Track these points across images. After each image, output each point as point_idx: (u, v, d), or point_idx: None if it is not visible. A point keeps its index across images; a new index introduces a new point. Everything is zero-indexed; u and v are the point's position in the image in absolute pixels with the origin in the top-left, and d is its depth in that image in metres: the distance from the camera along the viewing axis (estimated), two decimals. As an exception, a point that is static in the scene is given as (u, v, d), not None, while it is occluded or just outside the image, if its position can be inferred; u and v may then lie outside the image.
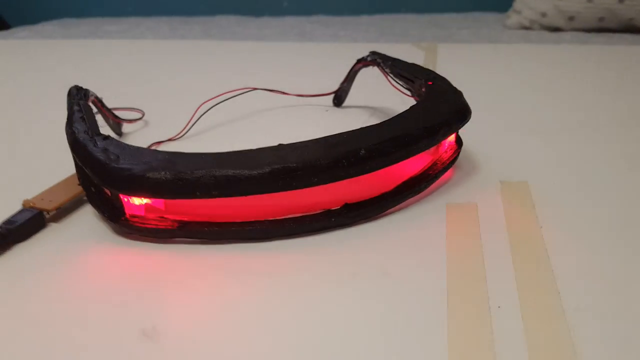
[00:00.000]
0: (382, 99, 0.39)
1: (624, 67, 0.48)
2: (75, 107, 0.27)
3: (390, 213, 0.24)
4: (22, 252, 0.23)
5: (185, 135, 0.34)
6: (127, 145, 0.23)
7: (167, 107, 0.40)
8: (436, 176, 0.26)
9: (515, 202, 0.25)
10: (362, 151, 0.22)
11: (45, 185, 0.26)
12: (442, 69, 0.48)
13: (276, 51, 0.60)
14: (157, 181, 0.21)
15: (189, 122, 0.35)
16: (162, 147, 0.33)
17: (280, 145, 0.22)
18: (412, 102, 0.31)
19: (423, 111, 0.25)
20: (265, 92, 0.38)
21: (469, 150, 0.30)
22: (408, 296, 0.19)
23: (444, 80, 0.29)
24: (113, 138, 0.24)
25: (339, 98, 0.39)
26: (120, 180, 0.21)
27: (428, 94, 0.27)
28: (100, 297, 0.20)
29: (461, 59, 0.53)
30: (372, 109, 0.38)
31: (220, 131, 0.36)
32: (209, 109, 0.35)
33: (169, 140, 0.34)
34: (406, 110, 0.25)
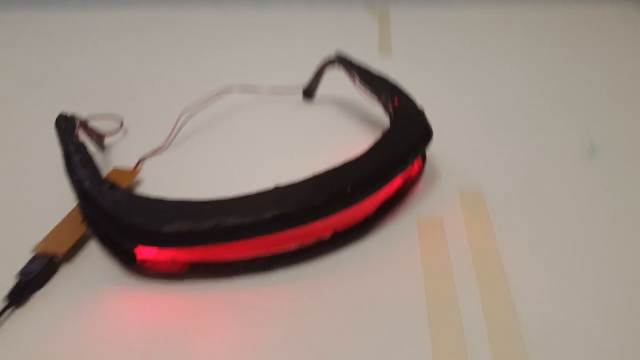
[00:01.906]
0: (350, 91, 0.42)
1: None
2: (71, 147, 0.28)
3: (372, 232, 0.28)
4: (41, 301, 0.25)
5: (170, 147, 0.36)
6: (133, 195, 0.25)
7: (142, 107, 0.41)
8: (407, 192, 0.29)
9: (473, 213, 0.29)
10: (349, 188, 0.25)
11: (39, 212, 0.28)
12: (396, 42, 0.51)
13: (235, 19, 0.59)
14: (171, 234, 0.23)
15: (172, 132, 0.36)
16: (150, 162, 0.34)
17: (276, 188, 0.25)
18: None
19: (393, 141, 0.28)
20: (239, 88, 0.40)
21: (431, 159, 0.33)
22: (395, 319, 0.23)
23: (408, 99, 0.32)
24: (117, 186, 0.26)
25: (309, 93, 0.41)
26: (135, 235, 0.24)
27: (396, 118, 0.30)
28: (124, 344, 0.22)
29: (413, 30, 0.55)
30: (341, 102, 0.41)
31: (203, 138, 0.37)
32: (189, 119, 0.37)
33: (154, 154, 0.35)
34: (378, 141, 0.28)
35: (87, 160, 0.27)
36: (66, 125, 0.30)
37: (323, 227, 0.26)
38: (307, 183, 0.25)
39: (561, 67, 0.46)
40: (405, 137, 0.29)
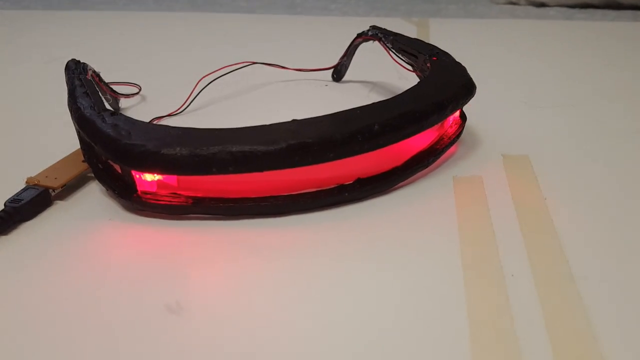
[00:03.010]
0: (380, 73, 0.39)
1: (607, 43, 0.49)
2: (77, 82, 0.26)
3: (400, 187, 0.24)
4: (29, 231, 0.22)
5: (185, 110, 0.34)
6: (137, 120, 0.23)
7: (162, 81, 0.40)
8: (442, 150, 0.26)
9: (518, 175, 0.26)
10: (376, 126, 0.22)
11: (47, 162, 0.26)
12: (435, 44, 0.48)
13: (268, 23, 0.59)
14: (173, 157, 0.21)
15: (189, 96, 0.34)
16: (164, 122, 0.32)
17: (294, 120, 0.22)
18: (413, 77, 0.31)
19: (431, 87, 0.25)
20: (264, 66, 0.38)
21: (470, 125, 0.30)
22: (424, 266, 0.20)
23: (447, 55, 0.29)
24: (121, 113, 0.23)
25: (338, 73, 0.39)
26: (133, 157, 0.21)
27: (434, 69, 0.27)
28: (118, 274, 0.20)
29: (452, 34, 0.53)
30: (372, 84, 0.38)
31: (220, 106, 0.35)
32: (208, 84, 0.35)
33: (169, 115, 0.33)
34: (415, 86, 0.25)
35: (92, 92, 0.25)
36: (76, 68, 0.28)
37: (346, 172, 0.23)
38: (330, 117, 0.23)
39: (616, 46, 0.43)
40: (445, 85, 0.26)
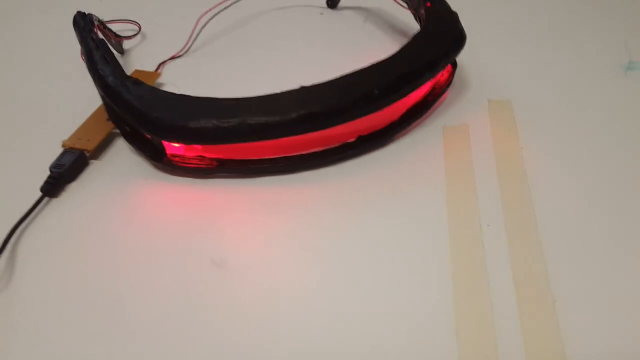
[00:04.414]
0: (374, 0, 0.40)
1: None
2: (91, 43, 0.27)
3: (396, 139, 0.28)
4: (75, 192, 0.26)
5: (189, 51, 0.35)
6: (160, 91, 0.25)
7: (158, 15, 0.40)
8: (434, 100, 0.29)
9: (500, 121, 0.29)
10: (376, 91, 0.25)
11: (68, 117, 0.28)
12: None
13: None
14: (198, 130, 0.23)
15: (190, 36, 0.35)
16: (169, 65, 0.34)
17: (302, 88, 0.25)
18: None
19: (424, 44, 0.27)
20: (260, -4, 0.38)
21: (460, 68, 0.32)
22: (416, 213, 0.24)
23: (441, 1, 0.30)
24: (142, 82, 0.25)
25: (332, 0, 0.39)
26: (162, 129, 0.24)
27: (428, 20, 0.29)
28: (164, 230, 0.23)
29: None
30: (366, 12, 0.39)
31: (221, 44, 0.36)
32: (207, 22, 0.36)
33: (173, 58, 0.34)
34: (409, 44, 0.27)
35: (109, 56, 0.27)
36: (84, 23, 0.29)
37: (348, 130, 0.26)
38: (333, 84, 0.25)
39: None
40: (437, 41, 0.27)
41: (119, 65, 0.26)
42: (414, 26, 0.32)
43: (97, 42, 0.27)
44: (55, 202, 0.25)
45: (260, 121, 0.23)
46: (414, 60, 0.26)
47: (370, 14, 0.39)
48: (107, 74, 0.25)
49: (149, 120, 0.24)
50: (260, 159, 0.25)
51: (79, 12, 0.30)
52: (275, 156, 0.25)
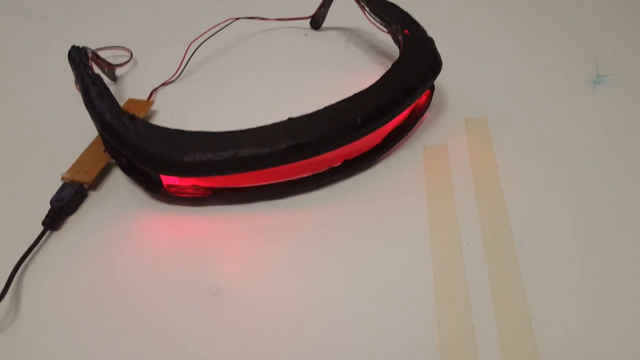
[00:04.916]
0: (357, 21, 0.41)
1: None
2: (87, 79, 0.29)
3: (380, 160, 0.29)
4: (75, 224, 0.27)
5: (179, 77, 0.36)
6: (153, 126, 0.26)
7: (149, 41, 0.41)
8: (414, 122, 0.30)
9: (477, 139, 0.30)
10: (359, 120, 0.26)
11: (66, 148, 0.30)
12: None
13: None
14: (193, 164, 0.25)
15: (181, 62, 0.37)
16: (160, 91, 0.35)
17: (289, 120, 0.26)
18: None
19: (403, 72, 0.29)
20: (246, 19, 0.40)
21: (438, 88, 0.34)
22: (400, 235, 0.25)
23: (418, 27, 0.32)
24: (136, 117, 0.27)
25: (316, 22, 0.41)
26: (159, 164, 0.25)
27: (406, 46, 0.30)
28: (162, 260, 0.25)
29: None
30: (349, 32, 0.41)
31: (211, 68, 0.38)
32: (197, 48, 0.37)
33: (165, 84, 0.36)
34: (388, 72, 0.29)
35: (105, 92, 0.28)
36: (79, 58, 0.30)
37: (334, 156, 0.28)
38: (319, 115, 0.26)
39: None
40: (415, 69, 0.29)
41: (115, 101, 0.28)
42: (394, 46, 0.34)
43: (92, 78, 0.29)
44: (56, 235, 0.26)
45: (252, 153, 0.25)
46: (393, 90, 0.28)
47: (353, 34, 0.40)
48: (104, 110, 0.27)
49: (146, 156, 0.25)
50: (251, 186, 0.27)
51: (73, 47, 0.31)
52: (266, 183, 0.27)
